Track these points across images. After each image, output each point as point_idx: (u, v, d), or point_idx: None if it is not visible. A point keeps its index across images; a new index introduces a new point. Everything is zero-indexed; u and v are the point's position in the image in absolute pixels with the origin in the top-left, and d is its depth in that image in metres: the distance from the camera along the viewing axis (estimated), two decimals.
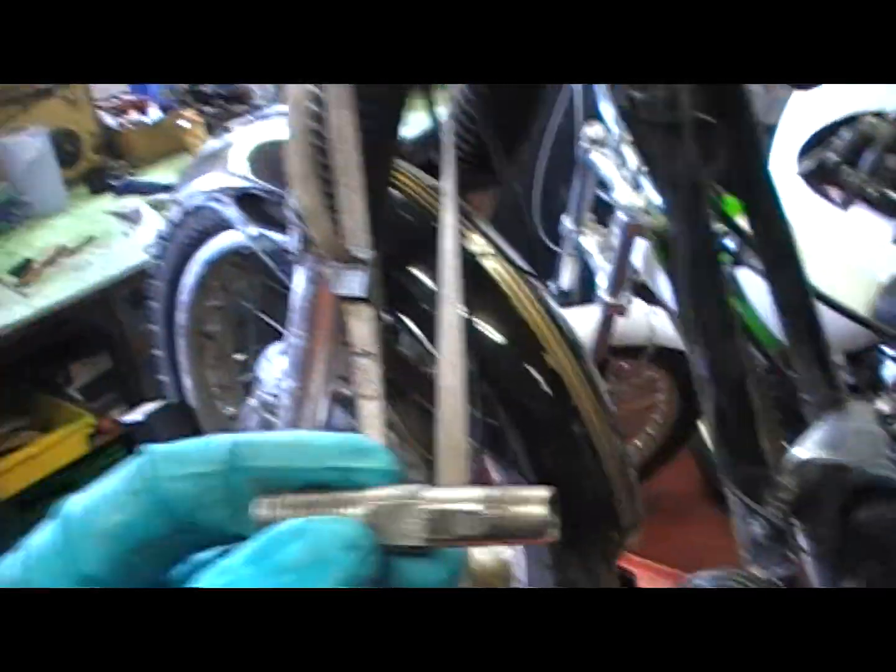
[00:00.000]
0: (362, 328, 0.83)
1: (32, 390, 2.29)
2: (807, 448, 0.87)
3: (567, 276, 2.02)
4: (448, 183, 0.88)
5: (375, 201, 0.88)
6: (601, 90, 1.82)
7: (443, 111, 1.05)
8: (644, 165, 0.90)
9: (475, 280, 1.08)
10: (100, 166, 2.68)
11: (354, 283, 0.84)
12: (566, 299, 2.02)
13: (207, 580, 0.27)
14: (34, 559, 0.30)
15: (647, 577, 1.74)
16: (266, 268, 1.27)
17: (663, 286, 1.80)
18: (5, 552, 0.32)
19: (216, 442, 0.30)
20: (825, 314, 0.93)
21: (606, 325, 1.87)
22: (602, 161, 1.78)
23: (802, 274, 0.89)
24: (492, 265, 1.10)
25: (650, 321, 1.94)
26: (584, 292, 2.00)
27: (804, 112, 1.65)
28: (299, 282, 1.03)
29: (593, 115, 1.79)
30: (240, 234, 1.26)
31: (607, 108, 1.82)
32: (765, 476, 0.86)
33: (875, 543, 0.82)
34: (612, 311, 1.86)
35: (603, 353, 1.89)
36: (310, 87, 0.81)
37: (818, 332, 0.90)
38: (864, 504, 0.84)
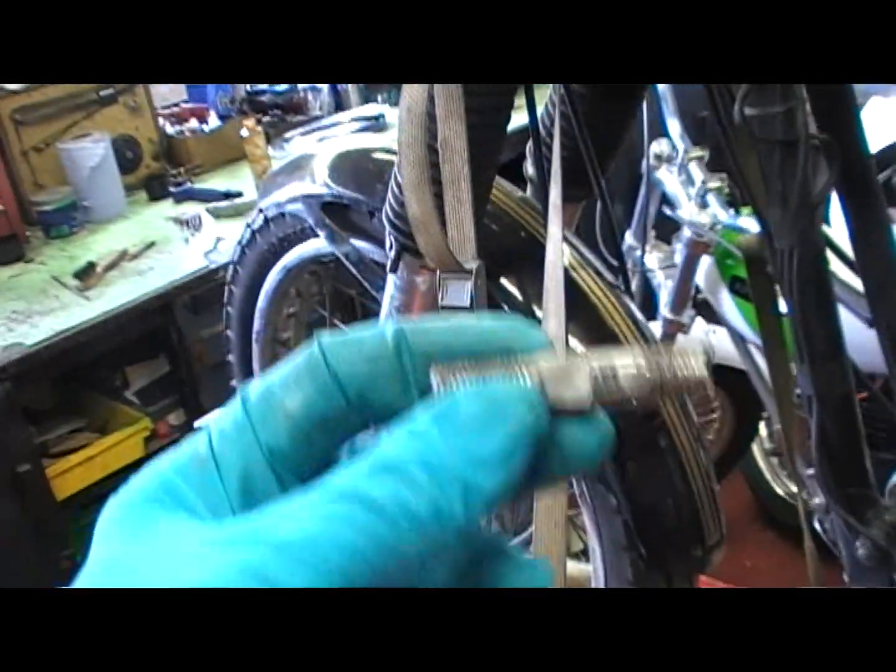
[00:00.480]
0: None
1: (91, 392, 2.32)
2: None
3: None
4: (555, 193, 0.88)
5: (479, 212, 0.88)
6: (667, 106, 1.83)
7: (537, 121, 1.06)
8: (744, 182, 0.90)
9: (567, 292, 1.08)
10: (159, 173, 2.72)
11: (461, 293, 0.85)
12: None
13: (395, 442, 0.28)
14: (219, 437, 0.31)
15: None
16: (345, 276, 1.28)
17: (726, 304, 1.79)
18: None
19: (383, 329, 0.32)
20: None
21: (667, 342, 1.86)
22: (668, 178, 1.78)
23: None
24: (582, 278, 1.10)
25: (710, 339, 1.94)
26: (645, 310, 2.00)
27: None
28: (390, 290, 1.04)
29: (660, 132, 1.79)
30: (321, 242, 1.27)
31: (674, 125, 1.83)
32: (870, 497, 0.85)
33: None
34: (673, 329, 1.86)
35: None
36: (425, 93, 0.82)
37: None
38: None
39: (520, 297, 1.05)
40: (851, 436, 0.86)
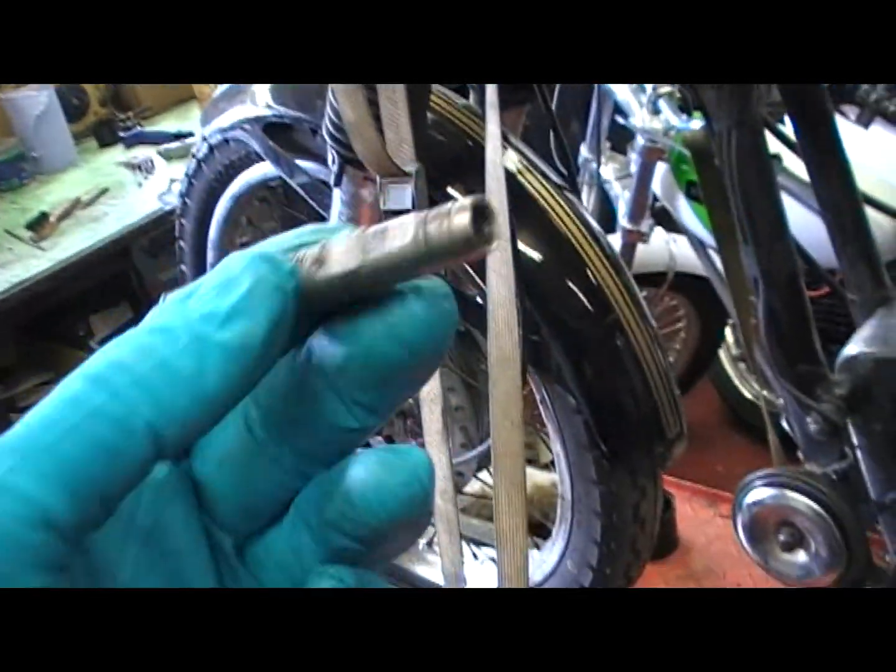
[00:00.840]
0: None
1: (56, 344, 2.30)
2: (858, 345, 0.87)
3: (587, 205, 2.01)
4: (491, 91, 0.87)
5: (417, 116, 0.87)
6: None
7: None
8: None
9: (512, 196, 1.07)
10: (108, 119, 2.66)
11: (402, 196, 0.84)
12: None
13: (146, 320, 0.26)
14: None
15: (684, 497, 1.75)
16: (295, 199, 1.26)
17: (683, 210, 1.79)
18: None
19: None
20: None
21: (627, 252, 1.86)
22: (618, 87, 1.77)
23: (850, 174, 0.88)
24: (528, 181, 1.09)
25: (670, 248, 1.94)
26: (604, 223, 1.99)
27: None
28: (337, 206, 1.03)
29: None
30: (267, 166, 1.25)
31: None
32: (819, 373, 0.86)
33: None
34: (633, 239, 1.86)
35: None
36: None
37: (865, 232, 0.90)
38: None
39: None
40: (798, 314, 0.87)
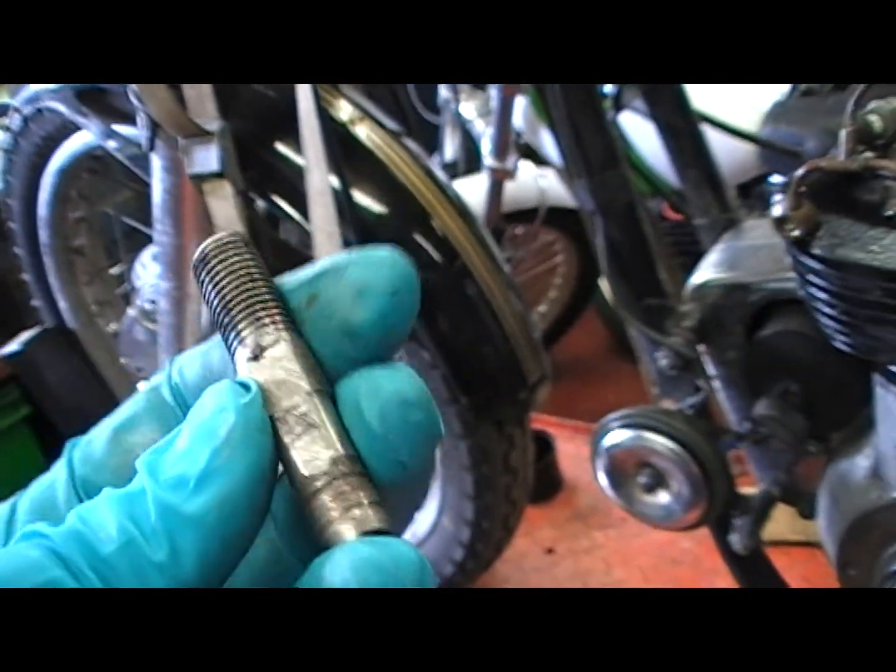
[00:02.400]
0: (224, 207, 0.76)
1: None
2: (705, 272, 0.84)
3: (450, 147, 1.96)
4: None
5: None
6: None
7: None
8: None
9: (348, 148, 1.01)
10: None
11: (207, 157, 0.77)
12: (452, 171, 1.96)
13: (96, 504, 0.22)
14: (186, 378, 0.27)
15: (565, 436, 1.74)
16: (124, 168, 1.18)
17: (547, 143, 1.75)
18: None
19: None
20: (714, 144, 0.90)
21: (495, 191, 1.82)
22: None
23: (683, 96, 0.84)
24: (363, 131, 1.03)
25: (539, 183, 1.90)
26: (471, 162, 1.95)
27: None
28: (157, 174, 0.95)
29: None
30: (87, 135, 1.16)
31: None
32: (667, 307, 0.83)
33: (783, 360, 0.81)
34: (500, 177, 1.81)
35: (495, 220, 1.85)
36: None
37: (706, 154, 0.86)
38: (768, 320, 0.82)
39: (297, 159, 0.98)
40: (639, 245, 0.83)
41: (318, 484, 0.23)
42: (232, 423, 0.22)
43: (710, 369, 0.86)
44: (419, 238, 1.03)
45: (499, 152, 1.77)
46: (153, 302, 1.13)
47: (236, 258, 0.26)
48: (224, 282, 0.26)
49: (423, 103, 1.95)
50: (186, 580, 0.21)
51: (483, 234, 1.03)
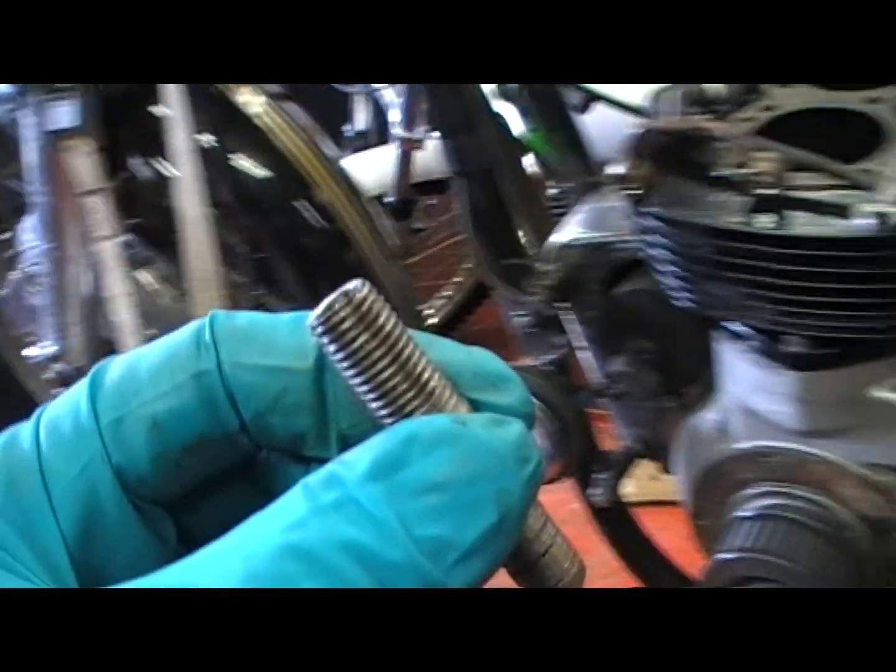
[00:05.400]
0: (83, 164, 0.76)
1: None
2: (566, 232, 0.86)
3: (361, 118, 1.96)
4: None
5: None
6: None
7: None
8: None
9: (227, 114, 1.02)
10: None
11: (64, 113, 0.77)
12: (363, 141, 1.96)
13: (305, 500, 0.19)
14: (52, 441, 0.22)
15: None
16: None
17: None
18: None
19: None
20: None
21: (405, 161, 1.82)
22: None
23: None
24: (243, 97, 1.04)
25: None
26: (381, 132, 1.95)
27: None
28: (27, 132, 0.95)
29: None
30: None
31: None
32: (526, 266, 0.85)
33: (636, 318, 0.83)
34: (409, 147, 1.81)
35: (406, 191, 1.85)
36: None
37: (568, 118, 0.88)
38: (627, 279, 0.85)
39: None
40: (498, 207, 0.85)
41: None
42: (511, 504, 0.20)
43: (572, 327, 0.88)
44: (300, 205, 1.04)
45: (408, 122, 1.77)
46: (36, 264, 1.13)
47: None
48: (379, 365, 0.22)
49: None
50: None
51: (365, 204, 1.05)
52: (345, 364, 0.22)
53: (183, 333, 0.23)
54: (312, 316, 0.22)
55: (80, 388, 0.23)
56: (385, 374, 0.22)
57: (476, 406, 0.23)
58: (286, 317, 0.24)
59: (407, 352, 0.22)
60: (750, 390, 0.76)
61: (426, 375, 0.22)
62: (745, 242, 0.66)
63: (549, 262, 0.84)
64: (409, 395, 0.22)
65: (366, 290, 0.22)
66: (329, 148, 1.08)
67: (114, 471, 0.22)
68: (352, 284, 0.22)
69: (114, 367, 0.23)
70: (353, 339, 0.21)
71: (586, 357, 0.87)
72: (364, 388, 0.22)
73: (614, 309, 0.84)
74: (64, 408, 0.23)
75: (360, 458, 0.20)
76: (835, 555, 0.76)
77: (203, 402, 0.23)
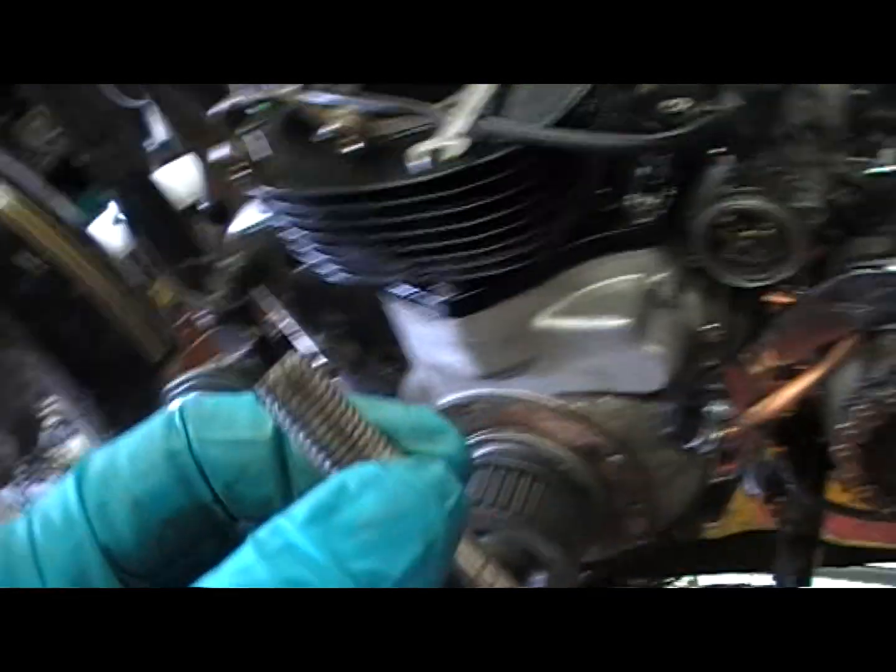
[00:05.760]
0: None
1: None
2: (243, 219, 0.84)
3: (159, 129, 1.91)
4: None
5: None
6: None
7: None
8: None
9: None
10: None
11: None
12: (169, 152, 1.92)
13: (253, 549, 0.22)
14: (44, 529, 0.25)
15: None
16: None
17: None
18: None
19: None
20: None
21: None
22: None
23: None
24: None
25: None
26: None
27: None
28: None
29: None
30: None
31: None
32: (203, 265, 0.83)
33: (327, 294, 0.81)
34: None
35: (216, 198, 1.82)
36: None
37: None
38: None
39: None
40: (162, 210, 0.82)
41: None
42: (436, 536, 0.22)
43: (273, 313, 0.85)
44: (17, 260, 0.99)
45: None
46: None
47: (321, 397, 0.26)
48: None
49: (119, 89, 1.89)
50: None
51: (83, 232, 1.01)
52: (288, 426, 0.25)
53: (156, 420, 0.27)
54: (257, 387, 0.25)
55: (68, 479, 0.26)
56: (319, 432, 0.25)
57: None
58: (247, 395, 0.27)
59: (338, 411, 0.26)
60: (429, 346, 0.74)
61: (358, 431, 0.26)
62: (347, 204, 0.63)
63: (232, 253, 0.82)
64: (343, 448, 0.25)
65: (298, 360, 0.26)
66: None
67: (101, 550, 0.25)
68: (287, 357, 0.26)
69: (97, 458, 0.26)
70: (291, 404, 0.25)
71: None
72: (306, 445, 0.25)
73: (304, 287, 0.82)
74: (54, 498, 0.26)
75: (299, 508, 0.23)
76: (552, 491, 0.74)
77: (177, 479, 0.25)
